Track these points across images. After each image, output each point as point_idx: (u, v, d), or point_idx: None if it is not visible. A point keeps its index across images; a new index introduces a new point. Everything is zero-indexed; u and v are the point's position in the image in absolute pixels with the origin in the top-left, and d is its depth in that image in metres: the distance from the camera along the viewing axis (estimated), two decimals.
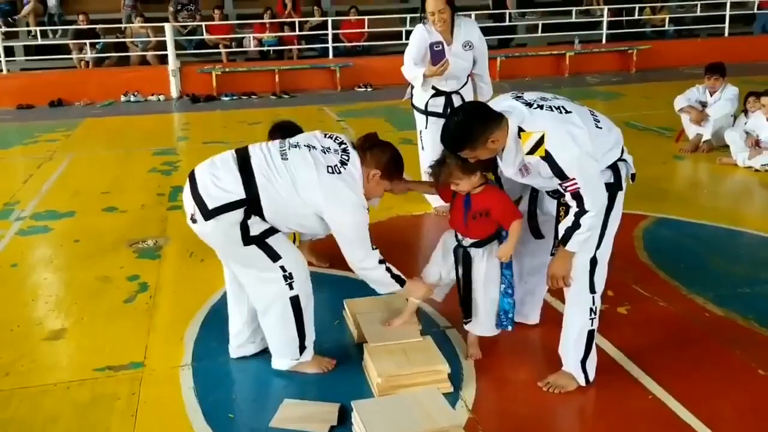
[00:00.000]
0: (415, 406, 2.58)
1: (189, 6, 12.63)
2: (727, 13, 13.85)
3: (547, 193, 2.89)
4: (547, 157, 2.53)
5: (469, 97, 4.93)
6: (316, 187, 2.71)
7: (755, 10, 14.66)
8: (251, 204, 2.70)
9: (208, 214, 2.70)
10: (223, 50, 12.34)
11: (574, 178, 2.54)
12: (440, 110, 4.84)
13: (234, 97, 11.31)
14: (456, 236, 3.02)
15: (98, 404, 2.86)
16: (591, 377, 2.85)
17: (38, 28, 12.12)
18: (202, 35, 12.30)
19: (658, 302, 3.61)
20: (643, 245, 4.38)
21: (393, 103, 9.25)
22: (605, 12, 13.62)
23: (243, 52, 12.66)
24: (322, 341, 3.20)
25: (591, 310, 2.78)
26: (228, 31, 12.66)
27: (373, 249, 2.84)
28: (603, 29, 13.57)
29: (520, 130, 2.58)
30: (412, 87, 4.91)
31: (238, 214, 2.70)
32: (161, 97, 11.43)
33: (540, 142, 2.53)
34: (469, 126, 2.60)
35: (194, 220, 2.77)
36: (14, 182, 6.45)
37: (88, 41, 11.75)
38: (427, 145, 4.95)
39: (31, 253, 4.68)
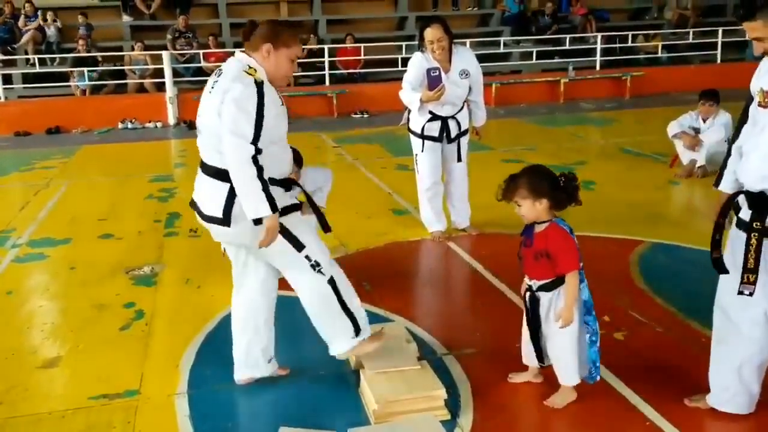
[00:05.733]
0: None
1: (186, 34, 12.75)
2: (720, 39, 14.02)
3: (737, 224, 2.55)
4: None
5: (465, 121, 4.98)
6: (212, 107, 2.72)
7: (747, 37, 14.82)
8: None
9: (223, 221, 2.76)
10: None
11: None
12: (436, 134, 4.88)
13: None
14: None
15: None
16: None
17: (36, 56, 12.21)
18: (200, 62, 12.40)
19: (654, 327, 3.61)
20: (639, 270, 4.38)
21: (389, 129, 9.31)
22: (599, 39, 13.78)
23: None
24: (318, 367, 3.20)
25: None
26: (225, 59, 12.74)
27: (253, 144, 2.62)
28: (597, 56, 13.72)
29: None
30: (409, 112, 4.96)
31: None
32: (158, 124, 11.50)
33: None
34: None
35: (217, 233, 2.86)
36: (11, 209, 6.46)
37: (86, 69, 11.84)
38: (424, 168, 4.99)
39: (26, 281, 4.67)
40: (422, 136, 4.90)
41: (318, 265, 2.87)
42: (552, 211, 2.74)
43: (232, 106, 2.64)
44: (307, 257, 2.85)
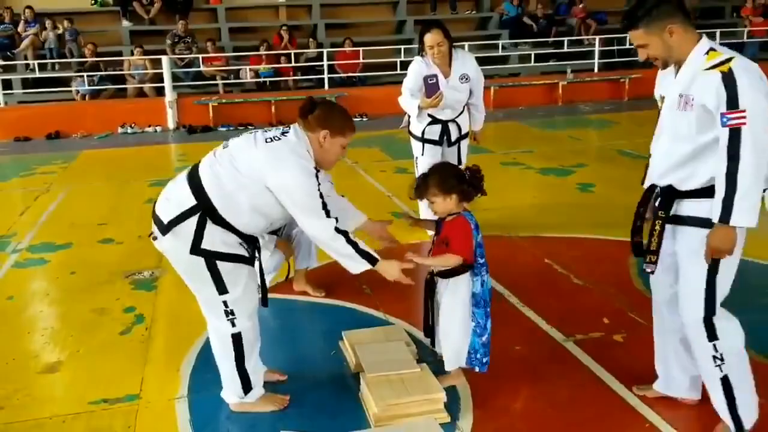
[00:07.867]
0: None
1: (186, 38, 12.77)
2: (717, 41, 14.02)
3: (657, 202, 2.70)
4: (728, 75, 2.36)
5: (465, 124, 5.00)
6: (256, 157, 2.71)
7: (744, 39, 14.87)
8: (204, 209, 2.68)
9: (165, 228, 2.71)
10: (219, 81, 12.46)
11: (743, 111, 2.32)
12: (436, 138, 4.91)
13: (231, 128, 11.39)
14: None
15: None
16: (745, 425, 2.64)
17: (36, 62, 12.23)
18: (199, 67, 12.42)
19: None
20: (638, 272, 4.39)
21: (388, 133, 9.33)
22: (597, 41, 13.80)
23: (240, 84, 12.78)
24: (318, 371, 3.21)
25: (714, 357, 2.60)
26: (224, 63, 12.78)
27: (328, 217, 2.74)
28: (595, 58, 13.75)
29: (711, 50, 2.46)
30: (409, 116, 4.97)
31: (192, 223, 2.67)
32: (158, 129, 11.50)
33: (727, 61, 2.39)
34: (657, 3, 2.47)
35: (155, 238, 2.79)
36: (11, 214, 6.46)
37: (85, 74, 11.86)
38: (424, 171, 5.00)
39: (27, 286, 4.68)
40: (422, 140, 4.92)
41: (232, 314, 2.80)
42: (462, 204, 2.92)
43: (296, 188, 2.69)
44: (224, 302, 2.77)
